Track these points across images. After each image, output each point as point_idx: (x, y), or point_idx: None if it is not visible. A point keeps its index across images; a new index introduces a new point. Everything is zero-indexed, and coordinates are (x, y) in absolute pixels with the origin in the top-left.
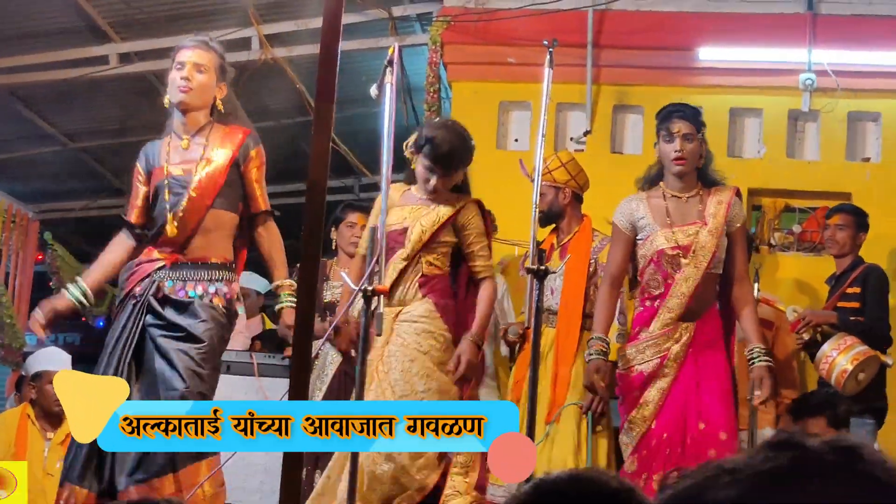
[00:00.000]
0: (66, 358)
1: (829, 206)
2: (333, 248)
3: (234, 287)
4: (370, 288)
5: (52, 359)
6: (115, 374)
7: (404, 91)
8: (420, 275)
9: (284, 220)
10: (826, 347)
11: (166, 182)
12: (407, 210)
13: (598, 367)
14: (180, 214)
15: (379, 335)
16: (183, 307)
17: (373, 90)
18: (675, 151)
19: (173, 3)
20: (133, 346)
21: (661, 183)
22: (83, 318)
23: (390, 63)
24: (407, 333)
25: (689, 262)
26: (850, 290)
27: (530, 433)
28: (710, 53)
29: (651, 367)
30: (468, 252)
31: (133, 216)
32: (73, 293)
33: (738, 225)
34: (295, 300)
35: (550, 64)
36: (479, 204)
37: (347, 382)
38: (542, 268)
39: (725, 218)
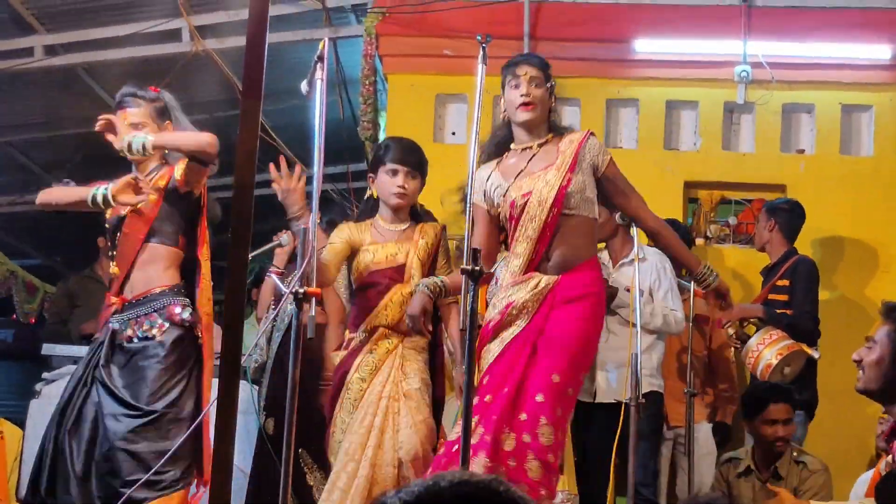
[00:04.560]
0: None
1: (764, 198)
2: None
3: (180, 307)
4: (301, 291)
5: None
6: (66, 416)
7: (339, 84)
8: None
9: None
10: (752, 341)
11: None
12: (392, 246)
13: (424, 303)
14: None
15: (310, 339)
16: (126, 363)
17: (303, 86)
18: (522, 96)
19: None
20: (84, 395)
21: (512, 144)
22: (14, 317)
23: (320, 59)
24: (419, 363)
25: (533, 200)
26: (780, 283)
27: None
28: (645, 45)
29: (496, 316)
30: (436, 270)
31: None
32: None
33: (605, 166)
34: None
35: (484, 60)
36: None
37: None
38: (477, 268)
39: (577, 154)
